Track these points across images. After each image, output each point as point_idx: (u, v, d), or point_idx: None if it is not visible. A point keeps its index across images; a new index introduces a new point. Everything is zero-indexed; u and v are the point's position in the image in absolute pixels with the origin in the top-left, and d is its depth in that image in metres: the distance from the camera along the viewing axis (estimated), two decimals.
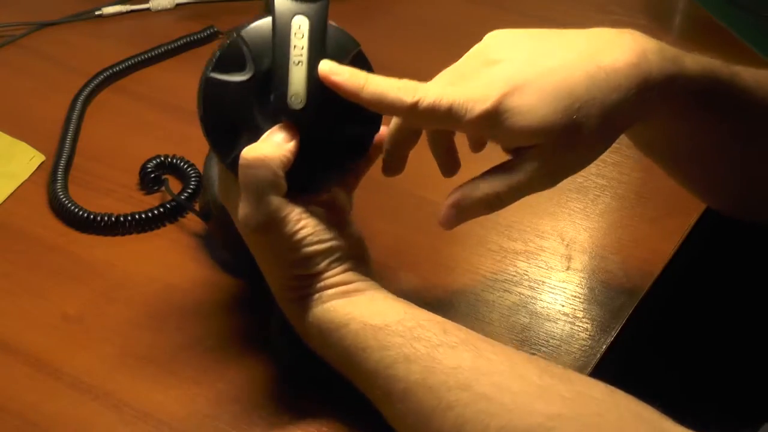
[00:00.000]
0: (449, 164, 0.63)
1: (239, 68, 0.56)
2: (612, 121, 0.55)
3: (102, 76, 0.91)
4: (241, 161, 0.55)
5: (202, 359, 0.65)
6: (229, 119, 0.57)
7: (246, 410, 0.61)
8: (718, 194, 0.71)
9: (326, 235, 0.57)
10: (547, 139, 0.55)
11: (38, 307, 0.69)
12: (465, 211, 0.57)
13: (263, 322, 0.67)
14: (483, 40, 0.59)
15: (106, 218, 0.74)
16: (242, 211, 0.56)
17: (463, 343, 0.54)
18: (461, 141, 0.62)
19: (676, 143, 0.65)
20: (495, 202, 0.57)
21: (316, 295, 0.58)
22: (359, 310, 0.57)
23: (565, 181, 0.80)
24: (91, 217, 0.74)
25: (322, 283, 0.58)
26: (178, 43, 0.96)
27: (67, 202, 0.76)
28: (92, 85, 0.90)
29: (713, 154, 0.65)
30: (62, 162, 0.80)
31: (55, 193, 0.77)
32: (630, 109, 0.56)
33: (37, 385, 0.63)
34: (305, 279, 0.58)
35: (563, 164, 0.57)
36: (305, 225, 0.57)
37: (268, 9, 0.56)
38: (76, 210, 0.75)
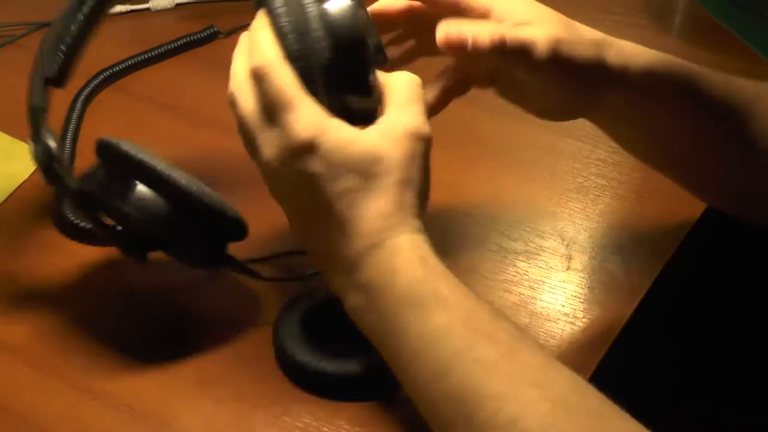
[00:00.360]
0: (448, 97, 0.67)
1: None
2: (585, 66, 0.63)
3: (102, 76, 0.91)
4: (417, 82, 0.59)
5: (203, 359, 0.65)
6: (367, 45, 0.57)
7: (246, 410, 0.61)
8: (712, 193, 0.72)
9: None
10: (546, 24, 0.63)
11: (38, 308, 0.69)
12: (467, 34, 0.60)
13: (264, 322, 0.67)
14: None
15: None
16: (421, 120, 0.58)
17: (537, 348, 0.54)
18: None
19: (654, 141, 0.69)
20: (498, 42, 0.60)
21: (422, 235, 0.57)
22: (443, 269, 0.57)
23: (565, 181, 0.80)
24: (80, 225, 0.74)
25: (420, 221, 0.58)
26: (178, 43, 0.96)
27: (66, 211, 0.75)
28: (92, 85, 0.90)
29: (694, 154, 0.68)
30: None
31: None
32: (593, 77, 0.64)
33: (37, 385, 0.63)
34: (421, 212, 0.58)
35: (555, 55, 0.62)
36: None
37: None
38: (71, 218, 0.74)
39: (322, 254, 0.58)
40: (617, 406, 0.52)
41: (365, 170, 0.56)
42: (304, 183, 0.56)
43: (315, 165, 0.56)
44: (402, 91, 0.58)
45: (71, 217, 0.74)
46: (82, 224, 0.73)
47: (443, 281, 0.56)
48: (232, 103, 0.59)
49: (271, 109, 0.56)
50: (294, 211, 0.59)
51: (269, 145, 0.57)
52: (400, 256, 0.56)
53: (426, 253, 0.57)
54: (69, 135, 0.83)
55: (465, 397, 0.52)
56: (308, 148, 0.55)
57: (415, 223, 0.57)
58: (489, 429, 0.51)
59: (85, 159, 0.81)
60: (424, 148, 0.57)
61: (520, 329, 0.56)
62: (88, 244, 0.73)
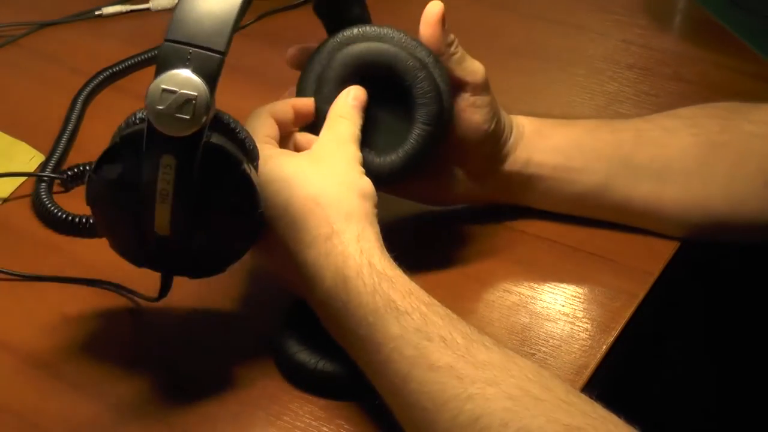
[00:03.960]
0: None
1: None
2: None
3: (102, 76, 0.91)
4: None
5: (203, 359, 0.65)
6: None
7: (246, 410, 0.61)
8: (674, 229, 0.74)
9: None
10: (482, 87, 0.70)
11: (38, 307, 0.69)
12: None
13: (264, 322, 0.67)
14: None
15: (84, 220, 0.74)
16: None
17: (496, 346, 0.55)
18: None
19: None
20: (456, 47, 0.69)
21: (368, 237, 0.59)
22: (394, 273, 0.58)
23: None
24: (69, 218, 0.74)
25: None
26: None
27: (48, 203, 0.76)
28: (92, 85, 0.90)
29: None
30: (51, 162, 0.80)
31: (38, 193, 0.77)
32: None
33: (37, 385, 0.63)
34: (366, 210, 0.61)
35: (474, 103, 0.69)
36: None
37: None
38: (56, 211, 0.75)
39: (280, 271, 0.62)
40: (586, 396, 0.53)
41: (301, 193, 0.60)
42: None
43: (263, 180, 0.59)
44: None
45: (57, 211, 0.74)
46: (71, 218, 0.74)
47: (395, 288, 0.56)
48: None
49: None
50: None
51: None
52: (349, 264, 0.57)
53: (375, 257, 0.58)
54: (65, 135, 0.84)
55: (425, 405, 0.53)
56: (263, 161, 0.60)
57: (359, 226, 0.59)
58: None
59: (85, 158, 0.81)
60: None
61: (476, 330, 0.56)
62: (77, 236, 0.74)
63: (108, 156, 0.57)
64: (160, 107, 0.52)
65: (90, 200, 0.59)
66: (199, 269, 0.61)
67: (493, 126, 0.70)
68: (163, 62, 0.53)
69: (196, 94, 0.52)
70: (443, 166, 0.72)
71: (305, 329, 0.63)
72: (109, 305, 0.69)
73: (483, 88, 0.69)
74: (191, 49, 0.53)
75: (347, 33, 0.68)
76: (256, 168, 0.59)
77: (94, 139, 0.84)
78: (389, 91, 0.67)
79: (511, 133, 0.72)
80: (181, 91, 0.52)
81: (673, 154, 0.72)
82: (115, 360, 0.65)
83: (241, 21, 0.55)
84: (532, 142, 0.73)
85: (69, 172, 0.79)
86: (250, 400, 0.62)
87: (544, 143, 0.73)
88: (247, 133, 0.58)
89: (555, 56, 0.99)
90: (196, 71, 0.53)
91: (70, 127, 0.85)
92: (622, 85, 0.94)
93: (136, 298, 0.68)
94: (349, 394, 0.61)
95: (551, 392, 0.52)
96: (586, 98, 0.92)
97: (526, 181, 0.73)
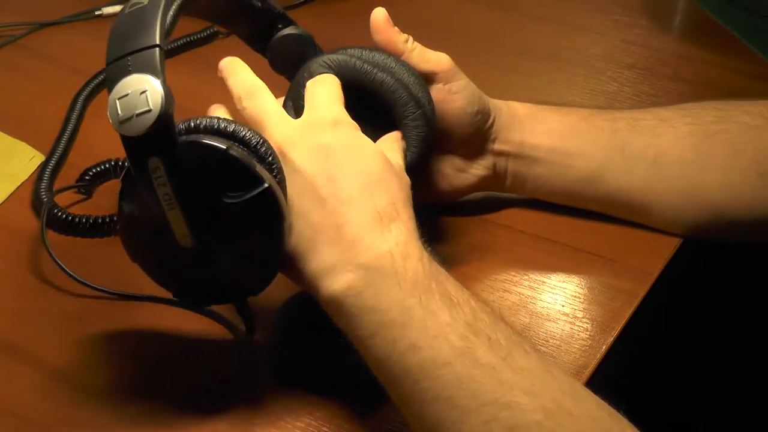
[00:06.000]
0: None
1: None
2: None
3: (102, 76, 0.91)
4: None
5: (202, 358, 0.65)
6: None
7: (246, 410, 0.61)
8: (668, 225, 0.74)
9: None
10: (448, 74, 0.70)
11: (38, 307, 0.69)
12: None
13: (264, 322, 0.67)
14: None
15: (84, 220, 0.74)
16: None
17: (534, 352, 0.55)
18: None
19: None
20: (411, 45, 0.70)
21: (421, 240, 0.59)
22: (444, 270, 0.58)
23: None
24: (69, 218, 0.74)
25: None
26: (178, 43, 0.96)
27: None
28: (92, 85, 0.90)
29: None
30: (51, 162, 0.80)
31: (38, 193, 0.77)
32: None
33: (37, 385, 0.63)
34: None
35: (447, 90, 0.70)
36: None
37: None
38: (56, 211, 0.75)
39: (317, 227, 0.57)
40: (614, 410, 0.52)
41: (379, 164, 0.60)
42: (320, 153, 0.59)
43: (332, 138, 0.60)
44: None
45: (57, 211, 0.74)
46: (71, 218, 0.74)
47: (448, 279, 0.57)
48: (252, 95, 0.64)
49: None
50: (299, 184, 0.59)
51: (288, 123, 0.62)
52: (411, 247, 0.57)
53: (426, 251, 0.58)
54: (65, 135, 0.84)
55: (457, 402, 0.52)
56: (333, 124, 0.61)
57: (414, 224, 0.59)
58: None
59: (85, 158, 0.81)
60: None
61: (517, 333, 0.56)
62: (78, 236, 0.73)
63: (119, 210, 0.58)
64: (122, 114, 0.54)
65: (132, 257, 0.60)
66: (250, 284, 0.60)
67: (477, 107, 0.70)
68: (110, 81, 0.55)
69: (146, 86, 0.53)
70: (437, 161, 0.72)
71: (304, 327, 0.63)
72: (108, 306, 0.69)
73: (453, 73, 0.70)
74: (129, 58, 0.55)
75: (305, 67, 0.67)
76: (256, 148, 0.58)
77: (94, 139, 0.85)
78: (359, 102, 0.66)
79: (499, 113, 0.72)
80: (132, 90, 0.54)
81: (668, 143, 0.72)
82: (115, 361, 0.65)
83: (173, 13, 0.56)
84: (526, 125, 0.73)
85: (86, 177, 0.77)
86: (250, 400, 0.62)
87: (540, 126, 0.73)
88: (231, 121, 0.59)
89: (555, 56, 0.99)
90: (140, 71, 0.54)
91: (70, 127, 0.85)
92: (622, 85, 0.94)
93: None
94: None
95: (583, 407, 0.52)
96: (586, 98, 0.92)
97: (521, 164, 0.73)
